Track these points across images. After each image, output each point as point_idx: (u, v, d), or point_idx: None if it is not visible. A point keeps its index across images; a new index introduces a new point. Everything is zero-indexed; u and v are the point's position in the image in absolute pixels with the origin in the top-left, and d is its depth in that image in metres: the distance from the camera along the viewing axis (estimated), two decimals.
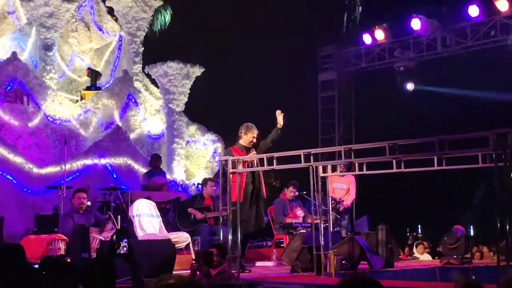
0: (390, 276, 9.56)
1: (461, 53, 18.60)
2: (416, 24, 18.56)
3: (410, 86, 19.80)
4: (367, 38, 20.12)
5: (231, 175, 9.33)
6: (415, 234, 20.77)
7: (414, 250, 15.27)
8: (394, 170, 8.46)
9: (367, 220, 14.31)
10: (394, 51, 19.62)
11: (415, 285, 8.46)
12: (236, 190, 9.45)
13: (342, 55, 21.10)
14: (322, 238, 9.28)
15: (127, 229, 9.82)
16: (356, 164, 9.11)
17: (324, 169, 9.59)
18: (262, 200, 10.31)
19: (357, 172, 9.34)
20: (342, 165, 10.83)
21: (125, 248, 4.11)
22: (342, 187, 13.30)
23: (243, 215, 9.68)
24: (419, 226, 22.41)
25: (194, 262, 7.77)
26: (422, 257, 14.66)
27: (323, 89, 21.54)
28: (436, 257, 13.94)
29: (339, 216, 12.86)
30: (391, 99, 20.03)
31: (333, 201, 11.84)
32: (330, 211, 10.38)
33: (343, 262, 9.54)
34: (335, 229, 12.00)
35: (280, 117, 10.26)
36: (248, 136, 10.21)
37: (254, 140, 10.22)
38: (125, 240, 6.97)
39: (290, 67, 20.66)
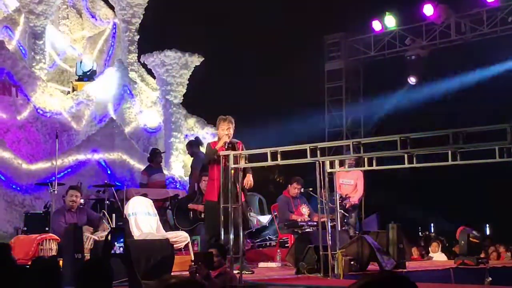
0: None
1: (476, 40, 18.56)
2: (428, 10, 18.51)
3: (413, 80, 19.74)
4: (376, 25, 20.07)
5: (232, 171, 9.31)
6: (427, 233, 20.75)
7: (429, 248, 15.29)
8: (406, 165, 8.44)
9: (377, 219, 14.29)
10: (405, 39, 19.57)
11: (430, 287, 8.46)
12: (214, 188, 9.51)
13: (350, 43, 21.06)
14: (330, 238, 9.28)
15: (122, 228, 9.83)
16: (365, 159, 9.10)
17: (331, 164, 9.58)
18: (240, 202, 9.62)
19: (366, 168, 9.33)
20: (351, 159, 10.83)
21: (121, 248, 4.11)
22: (349, 182, 13.24)
23: (216, 217, 9.53)
24: (432, 224, 22.39)
25: (193, 263, 7.76)
26: (436, 256, 14.66)
27: (330, 79, 21.50)
28: (452, 257, 13.94)
29: (346, 214, 12.84)
30: (402, 90, 20.00)
31: (339, 198, 11.82)
32: (338, 209, 10.38)
33: (352, 262, 9.54)
34: (343, 228, 12.00)
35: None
36: (219, 130, 10.07)
37: (227, 132, 9.96)
38: (121, 239, 6.97)
39: (295, 56, 20.65)
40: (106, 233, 9.14)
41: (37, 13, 16.56)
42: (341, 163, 10.03)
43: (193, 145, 14.79)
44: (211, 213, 9.83)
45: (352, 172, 12.83)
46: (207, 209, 10.07)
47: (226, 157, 9.53)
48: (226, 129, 9.94)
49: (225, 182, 9.42)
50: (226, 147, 9.86)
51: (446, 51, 19.34)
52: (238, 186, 9.46)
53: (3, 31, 16.91)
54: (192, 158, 14.66)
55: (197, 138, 15.33)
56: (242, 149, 9.97)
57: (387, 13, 19.68)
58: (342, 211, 12.28)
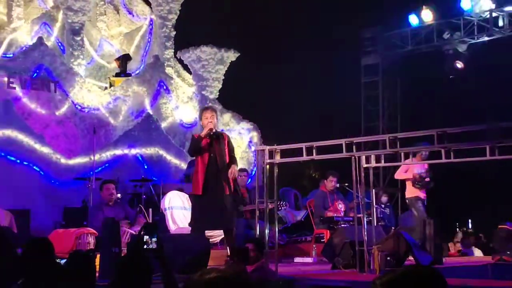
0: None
1: None
2: (466, 3, 18.31)
3: (459, 65, 19.50)
4: (413, 19, 19.91)
5: (267, 166, 9.29)
6: (465, 229, 20.58)
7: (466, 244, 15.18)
8: (443, 160, 8.36)
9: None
10: (443, 33, 19.38)
11: (467, 282, 8.37)
12: (198, 181, 9.33)
13: (386, 37, 20.92)
14: (365, 233, 9.23)
15: (156, 222, 9.88)
16: (402, 154, 9.03)
17: (368, 160, 9.53)
18: (224, 195, 9.44)
19: (403, 163, 9.26)
20: (424, 152, 10.57)
21: (154, 243, 4.13)
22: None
23: (201, 211, 9.40)
24: (469, 220, 22.18)
25: (229, 258, 7.75)
26: (473, 251, 14.55)
27: (366, 74, 21.40)
28: (491, 253, 13.80)
29: (384, 210, 12.76)
30: (439, 84, 19.82)
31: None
32: (374, 205, 10.32)
33: (388, 258, 9.48)
34: (379, 224, 11.93)
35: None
36: (202, 120, 9.74)
37: (211, 120, 9.71)
38: (154, 234, 7.01)
39: (331, 51, 20.56)
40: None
41: (75, 10, 16.69)
42: (378, 159, 9.91)
43: None
44: (196, 207, 9.53)
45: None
46: (193, 203, 9.68)
47: (210, 148, 9.42)
48: (209, 117, 9.61)
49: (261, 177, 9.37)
50: (210, 137, 9.56)
51: (484, 45, 19.11)
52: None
53: (42, 28, 17.09)
54: None
55: None
56: (229, 141, 9.78)
57: (424, 7, 19.51)
58: (378, 206, 12.21)
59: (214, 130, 9.61)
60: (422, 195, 11.90)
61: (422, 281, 2.53)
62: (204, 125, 9.67)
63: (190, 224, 9.59)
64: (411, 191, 11.92)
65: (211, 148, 9.50)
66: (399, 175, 12.14)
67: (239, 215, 11.91)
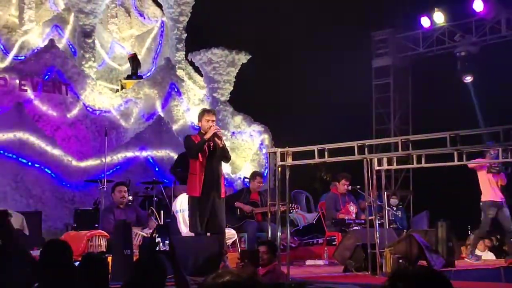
0: (451, 276, 9.43)
1: None
2: (478, 5, 18.25)
3: (469, 79, 19.45)
4: (425, 21, 19.86)
5: (279, 168, 9.29)
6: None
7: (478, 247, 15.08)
8: (456, 162, 8.34)
9: (426, 216, 14.17)
10: (455, 35, 19.33)
11: (479, 286, 8.35)
12: (195, 183, 9.36)
13: (398, 39, 20.89)
14: (377, 236, 9.22)
15: (168, 225, 9.88)
16: (414, 157, 9.01)
17: (379, 162, 9.51)
18: (219, 198, 9.54)
19: (415, 165, 9.24)
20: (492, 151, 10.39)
21: (166, 245, 4.14)
22: None
23: (200, 212, 9.40)
24: None
25: (239, 261, 7.74)
26: (485, 254, 14.46)
27: (378, 76, 21.36)
28: (503, 256, 13.72)
29: (395, 213, 12.74)
30: (451, 86, 19.75)
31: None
32: (386, 207, 10.31)
33: (400, 261, 9.47)
34: (391, 226, 11.90)
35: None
36: (202, 122, 9.65)
37: (210, 123, 9.69)
38: (166, 236, 7.03)
39: (342, 53, 20.53)
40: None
41: (86, 12, 16.75)
42: (390, 161, 9.88)
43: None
44: (195, 209, 9.48)
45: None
46: (191, 205, 9.63)
47: (207, 151, 9.43)
48: (211, 121, 9.57)
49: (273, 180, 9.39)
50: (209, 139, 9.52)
51: (496, 47, 19.04)
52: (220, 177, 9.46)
53: (53, 30, 17.16)
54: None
55: None
56: (223, 144, 9.74)
57: (436, 9, 19.46)
58: (390, 209, 12.18)
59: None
60: (498, 196, 11.61)
61: (424, 284, 2.53)
62: (204, 127, 9.61)
63: (190, 226, 9.59)
64: (485, 194, 11.64)
65: (210, 150, 9.51)
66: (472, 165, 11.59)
67: (250, 217, 11.91)
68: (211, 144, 9.51)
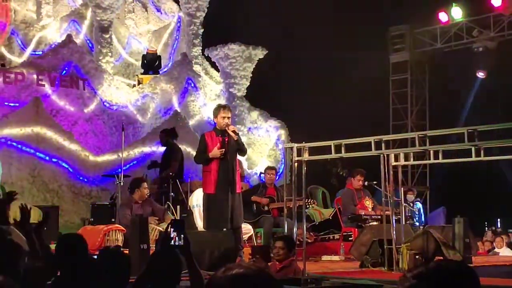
0: None
1: None
2: (496, 1, 18.14)
3: (481, 74, 19.35)
4: (443, 17, 19.78)
5: (295, 164, 9.27)
6: (494, 228, 20.39)
7: (494, 243, 15.04)
8: (473, 158, 8.29)
9: (443, 213, 14.12)
10: (472, 31, 19.22)
11: (496, 282, 8.29)
12: (211, 180, 9.37)
13: (415, 34, 20.81)
14: (394, 231, 9.18)
15: (183, 220, 9.89)
16: (431, 152, 8.97)
17: (396, 158, 9.47)
18: (235, 194, 9.53)
19: (432, 161, 9.20)
20: None
21: (180, 240, 4.16)
22: None
23: (215, 210, 9.42)
24: (499, 219, 21.98)
25: (250, 257, 7.73)
26: (502, 251, 14.41)
27: (395, 72, 21.30)
28: None
29: (412, 208, 12.70)
30: (469, 82, 19.66)
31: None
32: (402, 202, 10.26)
33: (417, 257, 9.42)
34: (408, 222, 11.85)
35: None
36: (218, 118, 9.62)
37: (226, 121, 9.59)
38: (183, 230, 7.04)
39: (359, 48, 20.46)
40: None
41: (103, 7, 16.78)
42: (407, 157, 9.84)
43: (168, 135, 13.91)
44: (210, 206, 9.50)
45: None
46: (206, 203, 9.64)
47: (290, 149, 9.45)
48: (226, 118, 9.56)
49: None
50: (223, 135, 9.53)
51: None
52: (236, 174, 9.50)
53: (71, 25, 17.22)
54: (167, 147, 13.79)
55: (173, 129, 14.41)
56: (238, 138, 9.70)
57: (453, 4, 19.37)
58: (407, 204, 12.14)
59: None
60: None
61: (454, 276, 2.50)
62: (220, 124, 9.61)
63: (205, 223, 9.60)
64: None
65: (224, 146, 9.50)
66: None
67: (266, 212, 11.92)
68: (226, 140, 9.51)
